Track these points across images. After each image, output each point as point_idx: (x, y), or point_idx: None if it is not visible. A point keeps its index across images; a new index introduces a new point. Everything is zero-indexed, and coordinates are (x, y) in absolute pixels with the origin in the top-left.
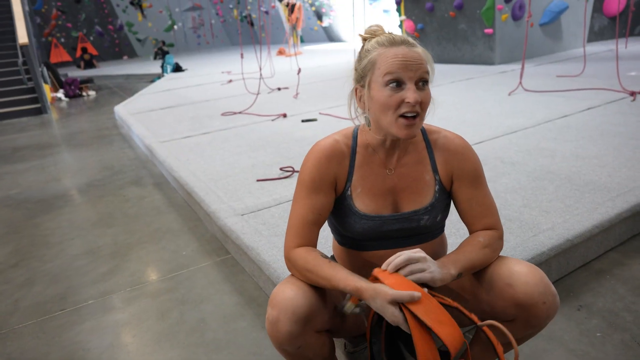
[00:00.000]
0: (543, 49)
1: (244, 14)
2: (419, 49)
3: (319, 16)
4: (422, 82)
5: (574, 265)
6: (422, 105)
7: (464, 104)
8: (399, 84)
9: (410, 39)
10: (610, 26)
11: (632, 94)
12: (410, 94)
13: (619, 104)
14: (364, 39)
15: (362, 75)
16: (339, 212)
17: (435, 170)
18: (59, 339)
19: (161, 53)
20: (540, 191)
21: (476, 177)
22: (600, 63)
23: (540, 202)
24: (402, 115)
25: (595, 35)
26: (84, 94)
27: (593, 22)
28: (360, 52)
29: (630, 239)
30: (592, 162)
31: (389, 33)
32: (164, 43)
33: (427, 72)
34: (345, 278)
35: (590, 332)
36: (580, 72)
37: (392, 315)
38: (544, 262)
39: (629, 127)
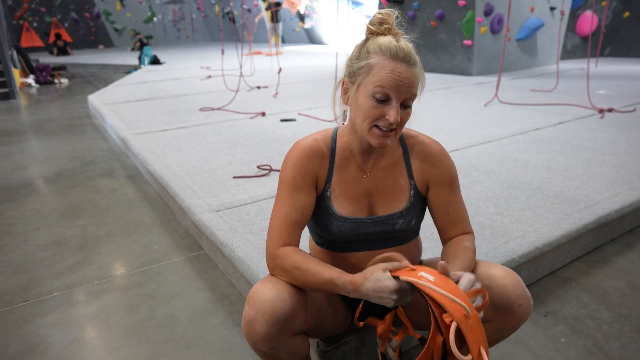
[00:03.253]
0: (519, 63)
1: (226, 11)
2: (417, 70)
3: (301, 18)
4: (407, 103)
5: (542, 272)
6: (400, 123)
7: (441, 112)
8: (385, 99)
9: (413, 57)
10: (582, 45)
11: (601, 111)
12: (392, 112)
13: (589, 120)
14: (371, 33)
15: (355, 73)
16: (317, 212)
17: (410, 175)
18: (20, 332)
19: (140, 45)
20: (513, 200)
21: (452, 183)
22: (571, 80)
23: (512, 210)
24: (378, 126)
25: (568, 53)
26: (56, 81)
27: (566, 40)
28: (360, 47)
29: (595, 249)
30: (563, 174)
31: (396, 37)
32: (139, 34)
33: (415, 95)
34: (339, 272)
35: (555, 337)
36: (553, 88)
37: (388, 282)
38: (514, 268)
39: (597, 143)
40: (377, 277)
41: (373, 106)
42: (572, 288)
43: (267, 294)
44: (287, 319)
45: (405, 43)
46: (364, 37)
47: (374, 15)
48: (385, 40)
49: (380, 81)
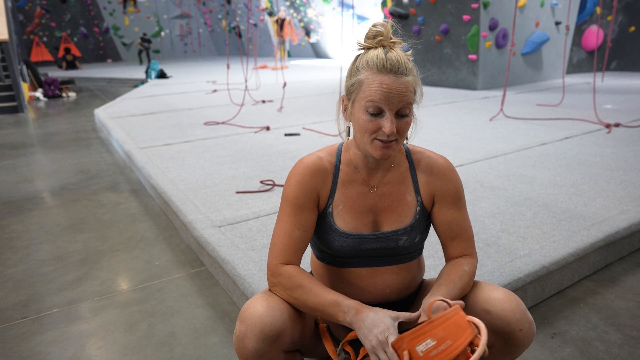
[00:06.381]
0: (524, 77)
1: (232, 25)
2: (408, 79)
3: (307, 32)
4: (403, 112)
5: (549, 292)
6: (399, 132)
7: (446, 126)
8: (378, 112)
9: (402, 66)
10: (588, 60)
11: (608, 126)
12: (387, 124)
13: (595, 135)
14: (363, 47)
15: (349, 90)
16: (319, 228)
17: (417, 191)
18: (18, 349)
19: (145, 46)
20: (518, 217)
21: (458, 199)
22: (577, 94)
23: (518, 227)
24: (378, 139)
25: (574, 67)
26: (64, 94)
27: (572, 55)
28: (351, 67)
29: (604, 268)
30: (569, 190)
31: (388, 48)
32: (145, 35)
33: (410, 103)
34: (339, 297)
35: None
36: (559, 102)
37: (380, 348)
38: (520, 287)
39: (605, 158)
40: (376, 337)
41: (368, 120)
42: (580, 308)
43: (258, 310)
44: (277, 335)
45: (397, 53)
46: (358, 52)
47: (369, 29)
48: (373, 54)
49: (370, 96)
